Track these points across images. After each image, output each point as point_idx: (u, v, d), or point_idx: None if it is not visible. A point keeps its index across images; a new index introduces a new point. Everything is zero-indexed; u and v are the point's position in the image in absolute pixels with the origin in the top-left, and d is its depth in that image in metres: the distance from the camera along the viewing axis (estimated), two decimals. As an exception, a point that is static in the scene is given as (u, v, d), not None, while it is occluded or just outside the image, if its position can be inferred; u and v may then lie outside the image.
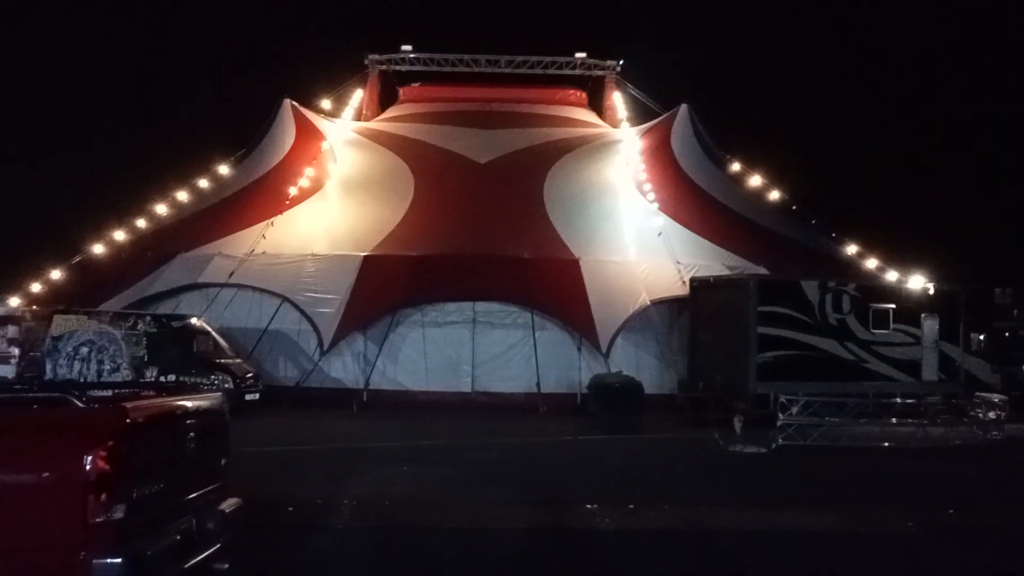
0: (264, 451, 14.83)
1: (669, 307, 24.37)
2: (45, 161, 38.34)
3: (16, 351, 20.72)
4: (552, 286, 24.33)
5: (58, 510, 5.44)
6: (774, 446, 16.98)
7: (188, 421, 6.45)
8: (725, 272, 24.44)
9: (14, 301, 23.87)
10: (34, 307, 22.75)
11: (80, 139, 39.68)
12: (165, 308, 23.87)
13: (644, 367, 23.06)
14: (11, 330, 20.89)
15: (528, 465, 14.81)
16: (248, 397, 21.11)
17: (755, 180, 30.52)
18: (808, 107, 44.16)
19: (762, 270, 24.53)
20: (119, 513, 5.47)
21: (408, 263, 24.64)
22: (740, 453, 16.64)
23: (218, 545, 6.49)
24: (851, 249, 28.79)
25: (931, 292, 22.67)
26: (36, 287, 26.17)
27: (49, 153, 38.95)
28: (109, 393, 7.75)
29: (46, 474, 5.51)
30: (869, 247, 28.87)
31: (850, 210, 33.77)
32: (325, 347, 23.40)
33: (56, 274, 26.55)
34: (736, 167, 31.25)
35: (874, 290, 22.71)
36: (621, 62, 36.71)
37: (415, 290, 24.03)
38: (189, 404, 6.59)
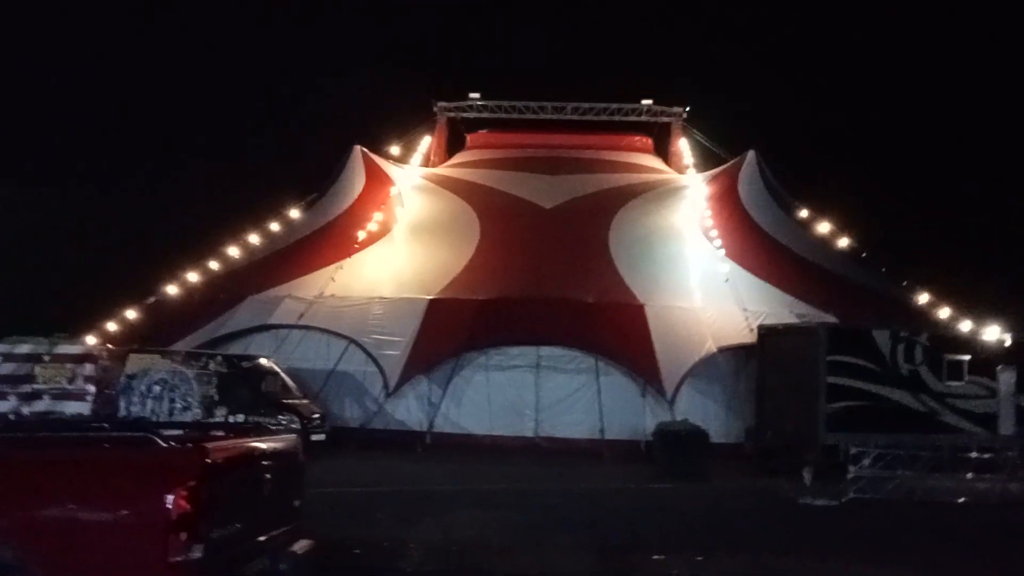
0: (330, 492, 14.91)
1: (736, 354, 24.08)
2: (122, 203, 39.54)
3: (92, 388, 21.22)
4: (617, 331, 24.24)
5: (139, 548, 5.56)
6: (845, 499, 16.57)
7: (265, 462, 6.56)
8: (793, 320, 24.11)
9: (91, 340, 24.51)
10: (110, 346, 23.34)
11: (156, 181, 40.90)
12: (235, 348, 24.32)
13: (710, 415, 22.77)
14: (88, 368, 21.40)
15: (594, 512, 14.67)
16: (314, 438, 21.25)
17: (824, 226, 30.16)
18: (879, 151, 43.61)
19: (831, 318, 24.13)
20: (198, 553, 5.58)
21: (473, 307, 24.79)
22: (810, 505, 16.27)
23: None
24: (923, 297, 28.19)
25: (1007, 343, 22.06)
26: (112, 326, 26.88)
27: (126, 195, 40.18)
28: (180, 432, 7.90)
29: (129, 512, 5.64)
30: (942, 296, 28.23)
31: (922, 257, 33.10)
32: (390, 389, 23.58)
33: (131, 314, 27.25)
34: (804, 213, 30.94)
35: (948, 340, 22.20)
36: (687, 108, 36.76)
37: (479, 334, 24.14)
38: (266, 445, 6.71)
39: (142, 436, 6.46)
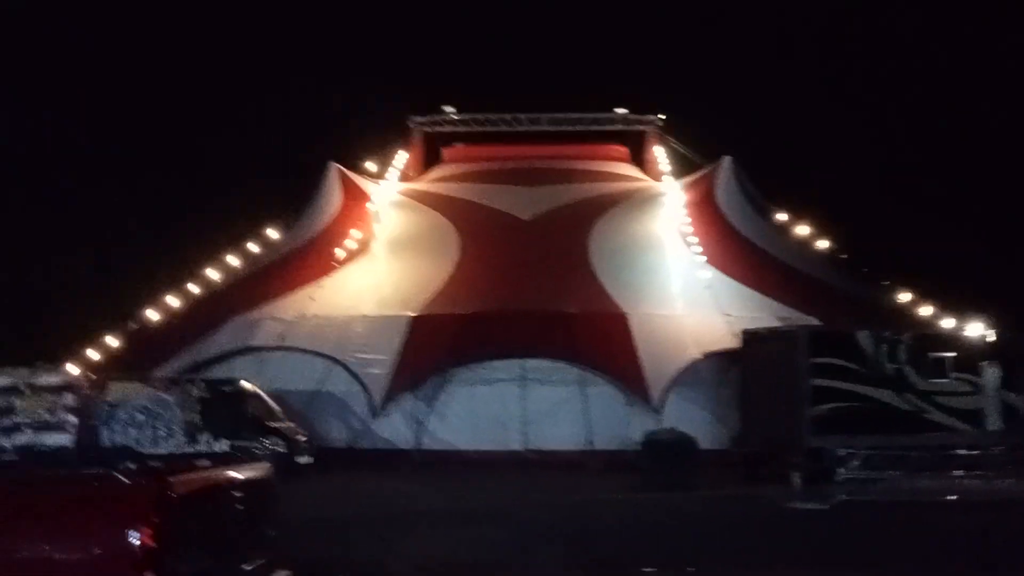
0: (316, 515, 14.73)
1: (720, 360, 24.03)
2: (98, 227, 39.22)
3: (74, 419, 20.94)
4: (600, 341, 24.20)
5: (106, 588, 5.39)
6: (834, 502, 16.51)
7: (235, 493, 6.39)
8: (776, 324, 24.09)
9: (72, 368, 24.22)
10: (89, 374, 23.08)
11: (131, 203, 40.57)
12: (218, 372, 24.08)
13: (697, 422, 22.64)
14: (69, 398, 21.11)
15: (581, 525, 14.55)
16: (301, 460, 21.12)
17: (802, 230, 30.22)
18: (856, 152, 43.77)
19: (813, 321, 24.15)
20: (167, 590, 5.41)
21: (455, 322, 24.69)
22: (799, 510, 16.21)
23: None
24: (905, 297, 28.24)
25: (991, 339, 22.10)
26: (91, 353, 26.61)
27: (102, 219, 39.83)
28: (159, 465, 7.73)
29: (92, 553, 5.46)
30: (924, 294, 28.28)
31: (903, 257, 33.15)
32: (376, 408, 23.43)
33: (112, 340, 26.99)
34: (783, 217, 31.00)
35: (931, 338, 22.25)
36: (662, 116, 36.79)
37: (463, 348, 24.05)
38: (236, 475, 6.55)
39: (103, 473, 6.29)
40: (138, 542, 5.36)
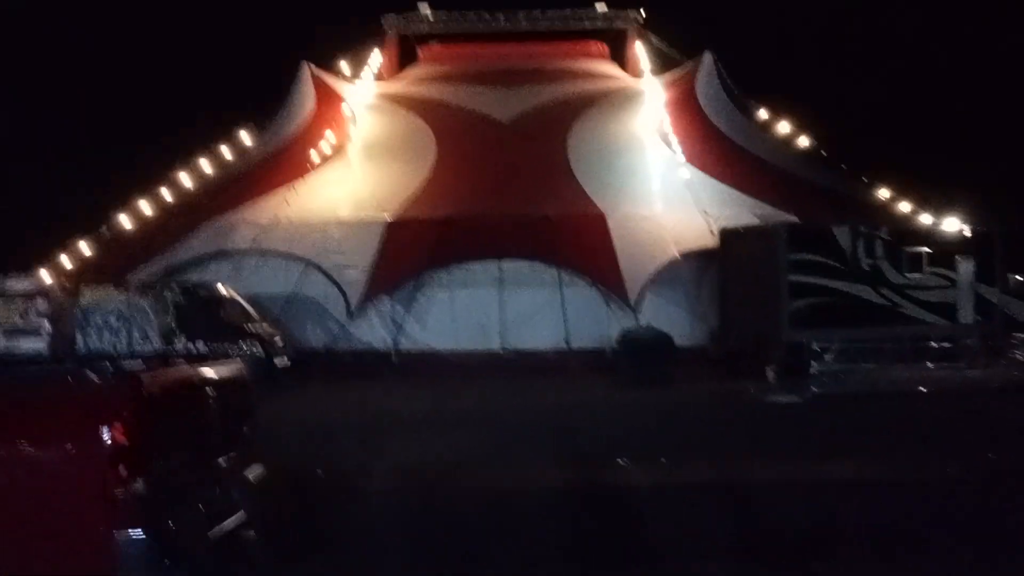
0: (295, 417, 14.79)
1: (698, 259, 24.03)
2: (68, 134, 38.43)
3: (47, 324, 20.82)
4: (579, 242, 24.09)
5: (79, 486, 5.37)
6: (809, 395, 16.73)
7: (208, 390, 6.33)
8: (755, 221, 24.04)
9: (44, 275, 23.95)
10: (63, 280, 22.85)
11: (102, 107, 39.68)
12: (193, 276, 23.86)
13: (674, 320, 22.74)
14: (41, 304, 20.95)
15: (559, 424, 14.67)
16: (278, 363, 21.11)
17: (783, 127, 29.96)
18: (835, 46, 43.19)
19: (792, 218, 24.10)
20: (140, 486, 5.38)
21: (433, 224, 24.47)
22: (775, 403, 16.42)
23: (243, 513, 6.40)
24: (883, 193, 28.23)
25: (966, 233, 22.19)
26: (64, 260, 26.27)
27: (74, 123, 39.00)
28: (137, 364, 7.67)
29: (64, 450, 5.44)
30: (901, 190, 28.28)
31: (881, 152, 33.04)
32: (353, 311, 23.37)
33: (84, 246, 26.63)
34: (763, 114, 30.68)
35: (907, 233, 22.31)
36: (642, 13, 36.00)
37: (440, 251, 23.89)
38: (208, 372, 6.48)
39: (76, 370, 6.20)
40: (110, 438, 5.31)
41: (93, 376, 5.96)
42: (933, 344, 19.79)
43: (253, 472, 6.68)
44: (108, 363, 7.28)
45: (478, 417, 15.31)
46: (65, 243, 26.69)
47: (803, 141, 29.80)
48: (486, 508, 9.56)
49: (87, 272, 24.49)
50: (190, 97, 38.51)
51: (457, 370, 21.76)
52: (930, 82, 40.14)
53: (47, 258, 26.07)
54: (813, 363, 17.89)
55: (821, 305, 20.16)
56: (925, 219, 26.26)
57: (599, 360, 22.25)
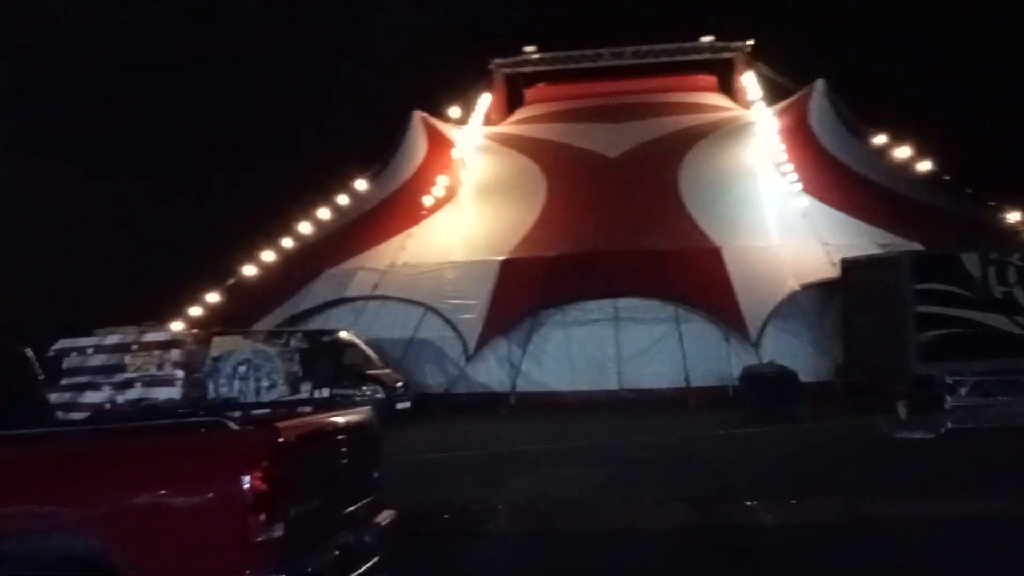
0: (418, 459, 15.01)
1: (819, 291, 23.46)
2: (196, 189, 40.27)
3: (181, 373, 21.70)
4: (695, 276, 23.82)
5: (220, 533, 5.54)
6: (944, 430, 16.03)
7: (339, 437, 6.49)
8: (877, 250, 23.34)
9: (176, 325, 25.04)
10: (194, 330, 23.83)
11: (226, 164, 41.49)
12: (315, 324, 24.60)
13: (797, 355, 22.20)
14: (175, 354, 21.87)
15: (682, 462, 14.46)
16: (399, 406, 21.49)
17: (902, 151, 29.07)
18: (952, 69, 41.78)
19: (916, 246, 23.31)
20: (279, 531, 5.53)
21: (546, 264, 24.61)
22: (907, 439, 15.79)
23: (377, 558, 6.51)
24: (1013, 217, 27.00)
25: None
26: (194, 311, 27.45)
27: (200, 181, 40.86)
28: (268, 412, 7.93)
29: (206, 498, 5.62)
30: (1032, 213, 27.01)
31: (1010, 175, 31.66)
32: (470, 353, 23.63)
33: (212, 297, 27.78)
34: (881, 139, 29.86)
35: (1041, 259, 21.23)
36: (751, 42, 35.65)
37: (555, 290, 23.98)
38: (339, 420, 6.64)
39: (214, 420, 6.44)
40: (249, 486, 5.48)
41: (233, 424, 6.18)
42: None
43: (384, 517, 6.80)
44: (238, 411, 7.52)
45: (598, 455, 15.21)
46: (196, 295, 27.92)
47: (924, 165, 28.84)
48: (609, 548, 9.48)
49: (216, 322, 25.49)
50: (308, 147, 39.95)
51: (575, 409, 21.73)
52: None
53: (179, 309, 27.31)
54: (947, 397, 17.15)
55: (951, 336, 19.34)
56: (1061, 242, 24.98)
57: (720, 397, 21.87)
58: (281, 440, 5.69)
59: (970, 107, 38.54)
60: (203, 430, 6.38)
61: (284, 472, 5.61)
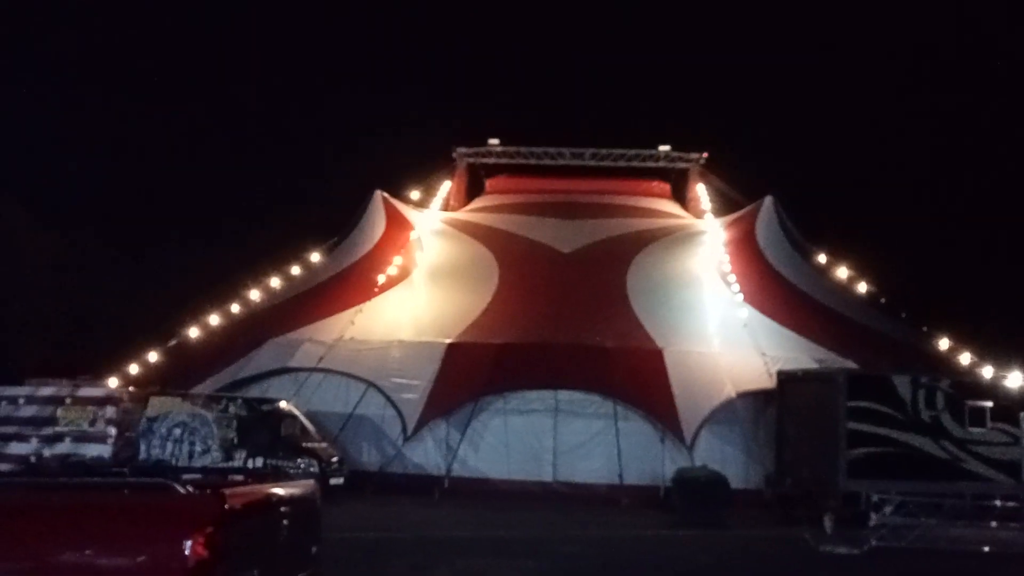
0: (348, 537, 14.89)
1: (755, 400, 23.92)
2: (142, 246, 40.04)
3: (113, 431, 21.32)
4: (635, 376, 24.18)
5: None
6: (867, 547, 16.37)
7: (283, 508, 6.61)
8: (812, 365, 23.98)
9: (112, 382, 24.67)
10: (131, 388, 23.49)
11: (176, 225, 41.42)
12: (255, 391, 24.39)
13: (729, 461, 22.57)
14: (109, 411, 21.50)
15: (612, 561, 14.58)
16: (333, 482, 21.27)
17: (842, 272, 30.09)
18: (895, 198, 43.64)
19: (851, 364, 23.99)
20: (216, 600, 5.60)
21: (491, 351, 24.82)
22: (831, 554, 16.09)
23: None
24: (944, 343, 27.96)
25: (1031, 390, 21.85)
26: (134, 369, 27.07)
27: (146, 238, 40.67)
28: (199, 477, 7.97)
29: (148, 558, 5.68)
30: (963, 341, 27.99)
31: (943, 303, 32.88)
32: (408, 433, 23.59)
33: (153, 356, 27.44)
34: (823, 258, 30.89)
35: (969, 386, 21.97)
36: (705, 155, 36.89)
37: (498, 378, 24.15)
38: (284, 491, 6.76)
39: (160, 482, 6.52)
40: (191, 551, 5.56)
41: (178, 487, 6.26)
42: (997, 503, 19.29)
43: (319, 592, 6.88)
44: (168, 473, 7.57)
45: (530, 547, 15.25)
46: (135, 353, 27.56)
47: (862, 287, 29.85)
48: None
49: (154, 382, 25.16)
50: (265, 217, 40.10)
51: (508, 498, 21.73)
52: (993, 234, 40.14)
53: (117, 366, 26.92)
54: (872, 514, 17.54)
55: (880, 455, 19.87)
56: (987, 372, 25.89)
57: (652, 497, 22.06)
58: (227, 507, 5.80)
59: (909, 233, 40.12)
60: (148, 490, 6.46)
61: (227, 539, 5.70)
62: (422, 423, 23.73)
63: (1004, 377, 23.73)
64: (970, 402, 20.81)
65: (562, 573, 13.14)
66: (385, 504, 20.46)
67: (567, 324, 25.49)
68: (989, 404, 20.95)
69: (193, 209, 41.48)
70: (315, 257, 31.18)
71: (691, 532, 18.05)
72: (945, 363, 26.66)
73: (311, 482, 7.45)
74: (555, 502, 21.68)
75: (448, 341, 25.48)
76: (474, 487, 22.67)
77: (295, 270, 30.53)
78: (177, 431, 21.35)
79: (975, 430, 20.63)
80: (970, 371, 26.26)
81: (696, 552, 15.97)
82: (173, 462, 20.63)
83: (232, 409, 21.56)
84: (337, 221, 33.05)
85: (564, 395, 24.02)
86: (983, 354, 27.09)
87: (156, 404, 21.70)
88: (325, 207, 37.82)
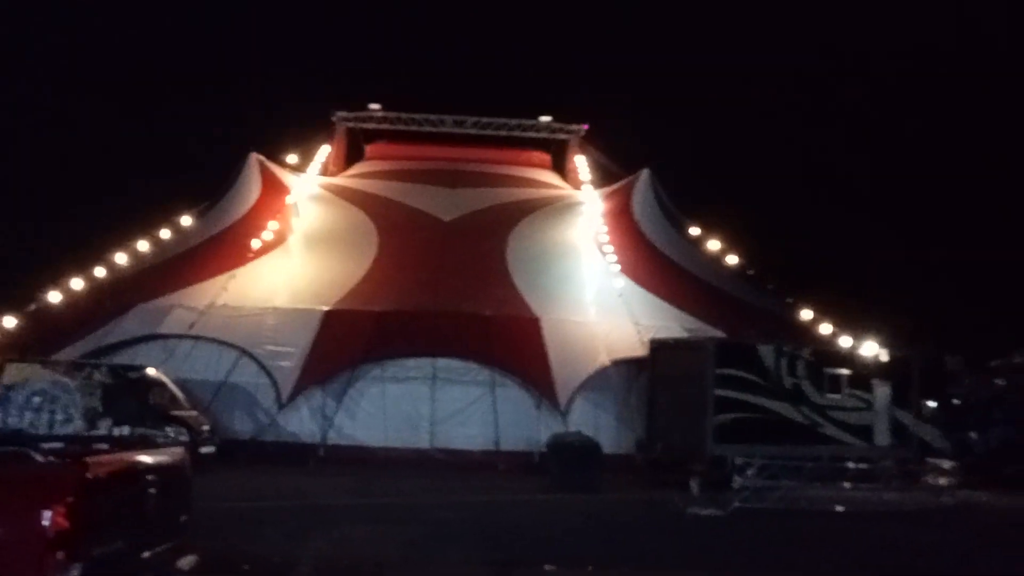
0: (220, 507, 14.59)
1: (628, 367, 24.49)
2: (3, 205, 38.02)
3: (-33, 401, 20.27)
4: (512, 344, 24.43)
5: (15, 567, 5.38)
6: (731, 509, 17.06)
7: (149, 477, 6.43)
8: (684, 334, 24.70)
9: (-35, 349, 23.43)
10: (-15, 355, 22.34)
11: (37, 183, 39.44)
12: (122, 359, 23.50)
13: (603, 427, 23.11)
14: (-39, 379, 20.45)
15: (487, 524, 14.76)
16: (203, 450, 20.77)
17: (714, 244, 31.03)
18: (767, 172, 45.16)
19: (720, 333, 24.82)
20: (76, 572, 5.43)
21: (369, 318, 24.63)
22: (698, 515, 16.71)
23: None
24: (806, 314, 29.22)
25: (884, 358, 23.09)
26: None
27: (6, 197, 38.62)
28: (61, 446, 7.69)
29: (4, 530, 5.45)
30: (823, 312, 29.31)
31: (807, 276, 34.34)
32: (283, 401, 23.24)
33: (10, 322, 26.12)
34: (696, 231, 31.76)
35: (828, 355, 23.08)
36: (585, 127, 37.32)
37: (375, 345, 24.00)
38: (151, 459, 6.58)
39: (18, 450, 6.25)
40: (51, 522, 5.37)
41: (37, 457, 6.02)
42: (851, 465, 20.37)
43: (187, 562, 6.74)
44: (27, 443, 7.29)
45: (406, 513, 15.31)
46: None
47: (733, 259, 30.85)
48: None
49: (11, 349, 23.97)
50: (134, 176, 38.55)
51: (385, 465, 21.70)
52: (856, 214, 42.02)
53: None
54: (736, 477, 18.28)
55: (745, 421, 20.69)
56: (845, 341, 27.20)
57: (528, 463, 22.41)
58: (89, 476, 5.61)
59: (778, 208, 41.62)
60: (3, 459, 6.19)
61: (89, 509, 5.53)
62: (297, 391, 23.40)
63: (859, 346, 25.01)
64: (828, 370, 21.85)
65: (439, 538, 13.23)
66: (259, 473, 20.13)
67: (446, 292, 25.50)
68: (846, 372, 22.06)
69: (58, 171, 39.54)
70: (186, 221, 30.10)
71: (565, 496, 18.44)
72: (807, 333, 27.88)
73: (180, 450, 7.27)
74: (432, 469, 21.77)
75: (325, 308, 25.15)
76: (351, 455, 22.53)
77: (165, 234, 29.41)
78: (36, 399, 20.41)
79: (832, 396, 21.70)
80: (829, 340, 27.55)
81: (569, 515, 16.34)
82: (32, 431, 19.76)
83: (96, 377, 20.73)
84: (211, 185, 32.06)
85: (442, 363, 24.06)
86: (842, 325, 28.43)
87: (13, 371, 20.68)
88: (199, 171, 36.60)
